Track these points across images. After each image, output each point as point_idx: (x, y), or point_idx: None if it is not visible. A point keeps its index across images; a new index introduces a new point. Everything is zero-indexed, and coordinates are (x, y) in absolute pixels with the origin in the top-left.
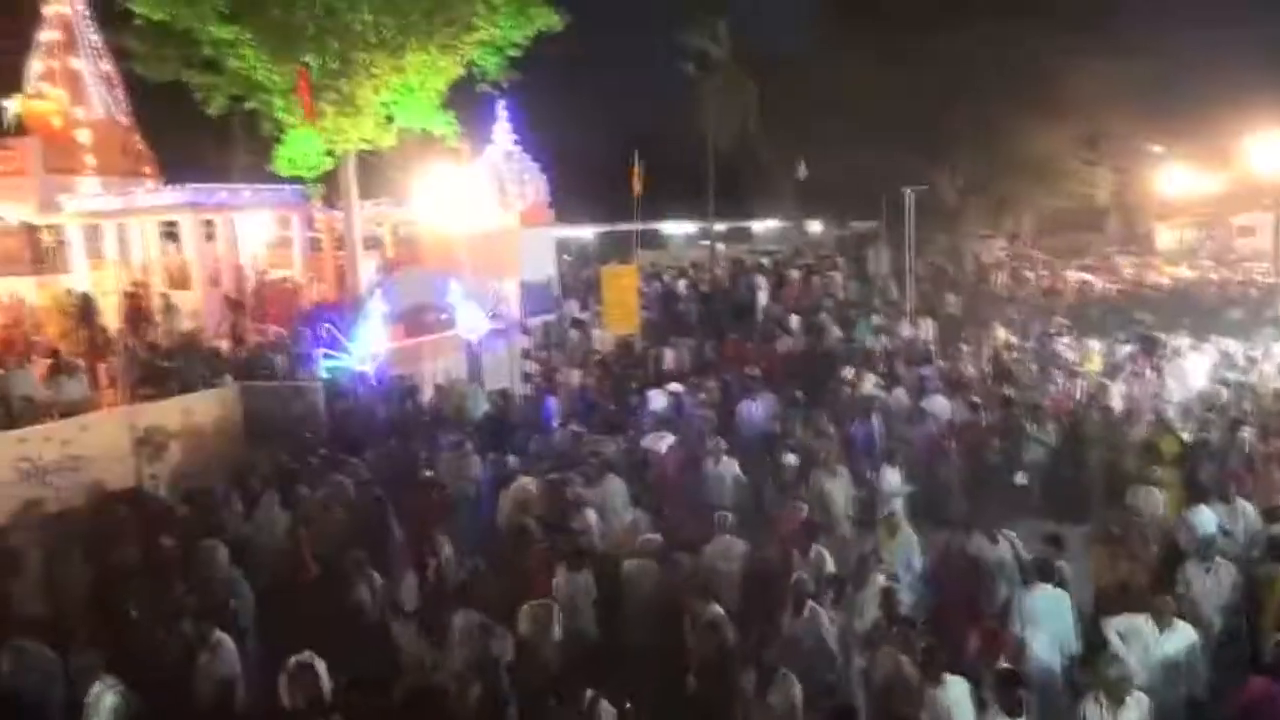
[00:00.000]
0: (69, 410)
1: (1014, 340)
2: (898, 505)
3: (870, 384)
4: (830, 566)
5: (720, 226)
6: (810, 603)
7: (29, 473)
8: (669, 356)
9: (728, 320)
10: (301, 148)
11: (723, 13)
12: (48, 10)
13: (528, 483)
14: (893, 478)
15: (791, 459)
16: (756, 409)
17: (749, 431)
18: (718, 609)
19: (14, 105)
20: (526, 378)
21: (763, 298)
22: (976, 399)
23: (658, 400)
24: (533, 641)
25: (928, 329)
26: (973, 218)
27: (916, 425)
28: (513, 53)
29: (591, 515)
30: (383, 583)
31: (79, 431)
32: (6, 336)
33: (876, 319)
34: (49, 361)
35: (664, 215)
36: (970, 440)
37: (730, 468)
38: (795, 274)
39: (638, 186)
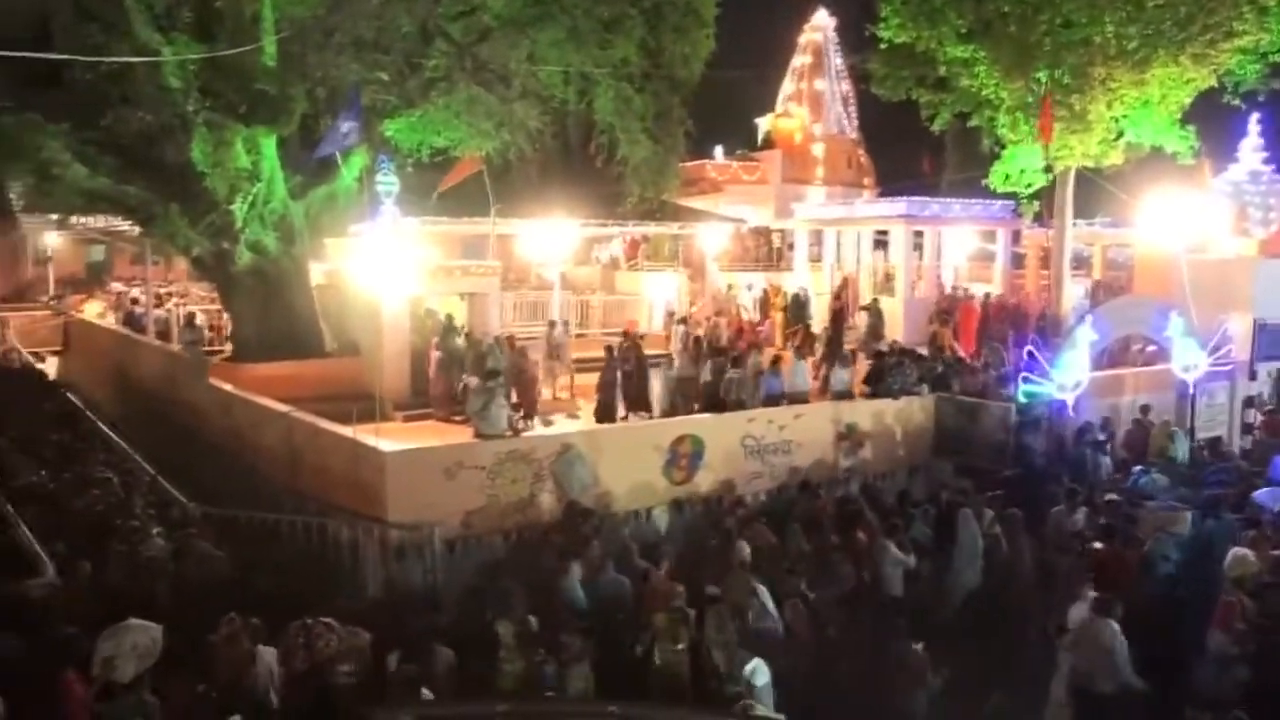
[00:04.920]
0: (837, 398)
1: None
2: None
3: None
4: None
5: None
6: None
7: (752, 449)
8: None
9: None
10: (1019, 164)
11: None
12: (802, 39)
13: (1245, 554)
14: None
15: None
16: None
17: None
18: None
19: (765, 123)
20: (1247, 429)
21: None
22: None
23: None
24: None
25: None
26: None
27: None
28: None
29: None
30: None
31: (793, 419)
32: (740, 325)
33: None
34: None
35: None
36: None
37: None
38: None
39: None
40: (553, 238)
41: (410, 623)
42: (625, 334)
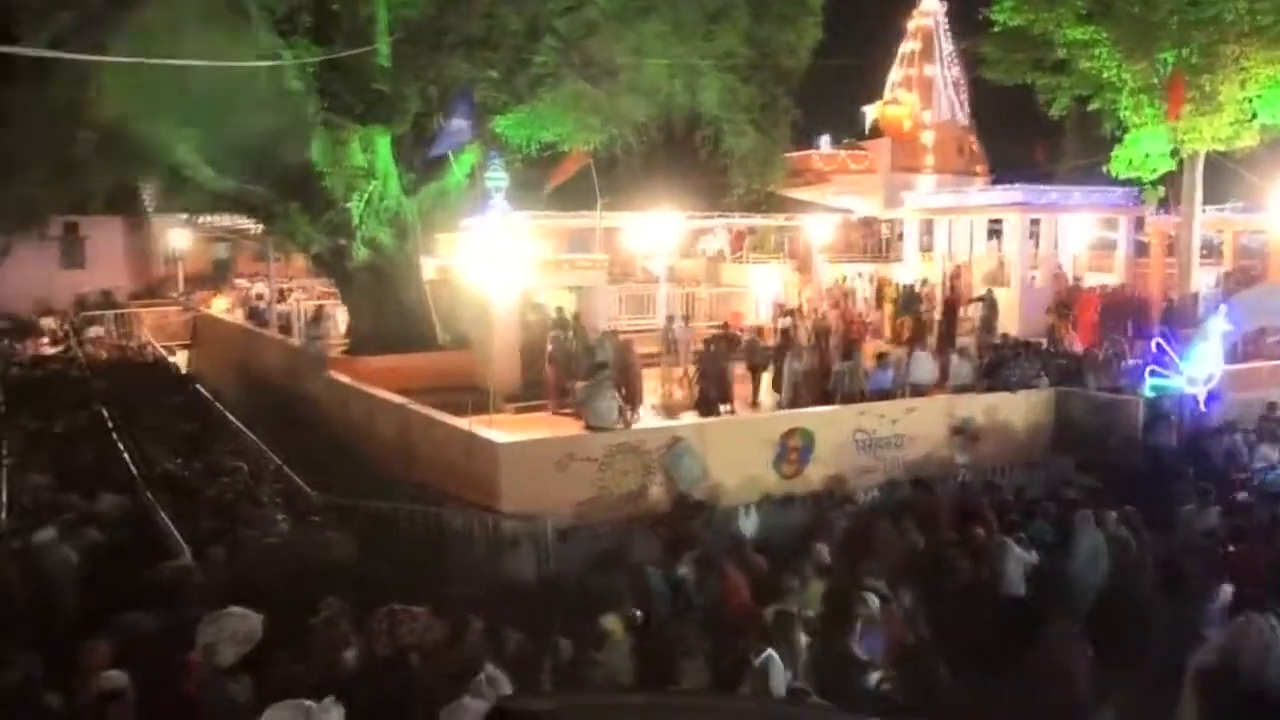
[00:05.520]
0: (957, 392)
1: None
2: None
3: None
4: None
5: None
6: None
7: (864, 444)
8: None
9: None
10: (1143, 148)
11: None
12: (911, 24)
13: None
14: None
15: None
16: None
17: None
18: None
19: (872, 111)
20: None
21: None
22: None
23: None
24: None
25: None
26: None
27: None
28: None
29: None
30: None
31: (905, 413)
32: (848, 316)
33: None
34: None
35: None
36: None
37: None
38: None
39: None
40: (658, 230)
41: (524, 611)
42: (723, 326)
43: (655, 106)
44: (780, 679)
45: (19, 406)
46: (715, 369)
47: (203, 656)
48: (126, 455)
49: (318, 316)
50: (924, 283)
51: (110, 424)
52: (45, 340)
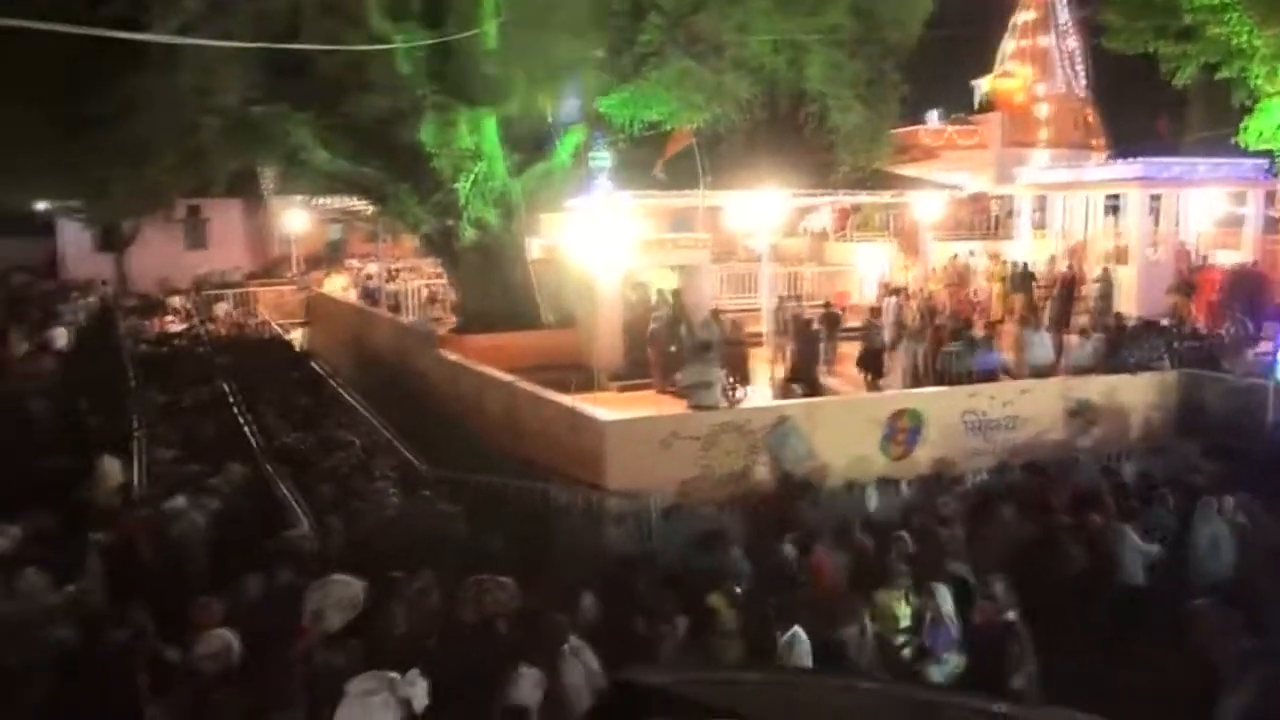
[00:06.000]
0: (1076, 373)
1: None
2: None
3: None
4: None
5: None
6: None
7: (973, 425)
8: None
9: None
10: (1277, 118)
11: None
12: None
13: None
14: None
15: None
16: None
17: None
18: None
19: (983, 84)
20: None
21: None
22: None
23: None
24: None
25: None
26: None
27: None
28: None
29: None
30: None
31: (1019, 394)
32: (959, 296)
33: None
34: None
35: None
36: None
37: None
38: None
39: None
40: (762, 209)
41: (626, 587)
42: (825, 305)
43: (760, 83)
44: (806, 657)
45: (147, 381)
46: (810, 349)
47: (311, 621)
48: (247, 428)
49: (432, 298)
50: (1051, 260)
51: (232, 398)
52: (171, 318)
